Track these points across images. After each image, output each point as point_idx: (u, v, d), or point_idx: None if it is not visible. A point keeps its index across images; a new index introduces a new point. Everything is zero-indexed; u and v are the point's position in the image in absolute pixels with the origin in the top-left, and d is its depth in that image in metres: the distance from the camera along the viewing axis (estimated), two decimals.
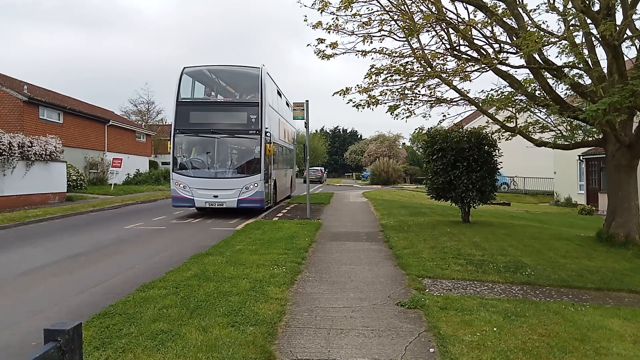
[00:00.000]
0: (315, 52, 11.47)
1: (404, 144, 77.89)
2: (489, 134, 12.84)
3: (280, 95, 20.61)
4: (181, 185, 15.41)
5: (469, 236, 10.80)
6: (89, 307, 5.79)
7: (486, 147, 12.81)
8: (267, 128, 15.58)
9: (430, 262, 7.96)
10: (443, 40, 11.42)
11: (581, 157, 26.05)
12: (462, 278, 7.06)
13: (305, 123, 15.50)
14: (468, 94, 11.62)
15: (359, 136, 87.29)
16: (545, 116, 12.54)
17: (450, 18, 10.77)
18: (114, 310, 5.31)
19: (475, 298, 5.95)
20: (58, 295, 6.52)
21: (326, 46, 11.12)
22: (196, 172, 15.74)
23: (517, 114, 11.77)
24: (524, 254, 9.00)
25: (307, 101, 15.36)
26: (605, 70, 10.09)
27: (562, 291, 6.64)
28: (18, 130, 21.69)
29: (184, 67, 16.12)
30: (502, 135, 12.38)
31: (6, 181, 17.92)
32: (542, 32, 9.81)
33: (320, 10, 10.61)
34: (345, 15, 10.78)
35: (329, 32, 11.12)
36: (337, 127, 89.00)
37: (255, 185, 15.32)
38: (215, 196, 15.27)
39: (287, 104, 23.08)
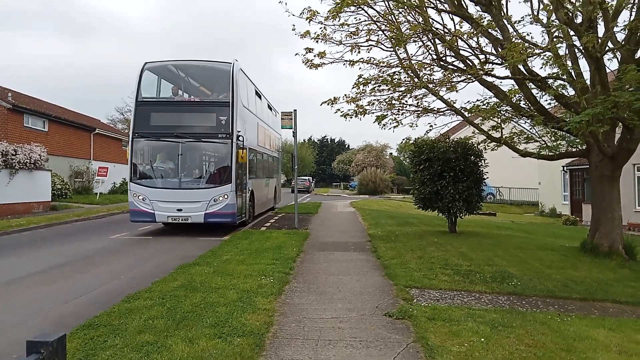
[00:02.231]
0: (303, 62, 11.54)
1: (391, 154, 78.25)
2: (475, 145, 12.95)
3: (259, 96, 18.65)
4: (140, 197, 13.41)
5: (455, 246, 10.84)
6: (73, 317, 5.68)
7: (472, 157, 12.92)
8: (239, 131, 13.62)
9: (417, 273, 7.97)
10: (430, 51, 11.56)
11: (565, 168, 26.41)
12: (449, 288, 7.08)
13: (293, 132, 15.49)
14: (454, 104, 11.75)
15: (346, 146, 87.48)
16: (530, 127, 12.72)
17: (437, 29, 10.92)
18: (99, 321, 5.22)
19: (463, 308, 5.96)
20: (42, 306, 6.39)
21: (314, 56, 11.20)
22: (157, 182, 13.73)
23: (502, 124, 11.92)
24: (510, 264, 9.07)
25: (295, 110, 15.36)
26: (588, 82, 10.29)
27: (548, 301, 6.69)
28: (2, 138, 21.34)
29: (146, 63, 14.18)
30: (488, 146, 12.52)
31: None
32: (526, 44, 9.98)
33: (308, 20, 10.68)
34: (333, 25, 10.87)
35: (317, 41, 11.20)
36: (325, 136, 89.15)
37: (226, 197, 13.23)
38: (179, 210, 13.20)
39: (270, 108, 21.48)
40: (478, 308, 6.04)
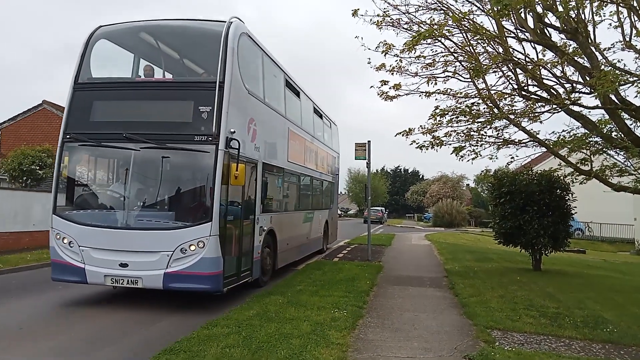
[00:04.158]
0: (378, 94, 11.57)
1: (467, 185, 75.73)
2: (561, 177, 12.23)
3: (294, 91, 12.61)
4: (65, 240, 7.97)
5: (541, 286, 10.16)
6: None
7: (558, 190, 12.20)
8: (234, 132, 7.99)
9: (499, 313, 7.52)
10: (510, 80, 11.16)
11: None
12: (535, 332, 6.59)
13: (367, 163, 15.48)
14: (538, 135, 11.20)
15: (420, 176, 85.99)
16: (624, 159, 11.78)
17: (518, 58, 10.55)
18: (179, 346, 5.40)
19: (551, 355, 5.52)
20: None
21: (389, 88, 11.22)
22: (90, 217, 8.17)
23: (592, 156, 11.15)
24: (604, 308, 8.31)
25: (369, 141, 15.36)
26: None
27: None
28: None
29: (99, 27, 9.03)
30: (576, 179, 11.73)
31: None
32: (618, 71, 9.36)
33: (384, 53, 10.74)
34: (409, 57, 10.86)
35: (392, 73, 11.22)
36: (399, 166, 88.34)
37: (201, 245, 7.53)
38: (124, 265, 7.64)
39: (320, 115, 15.85)
40: (568, 356, 5.56)
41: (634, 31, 9.74)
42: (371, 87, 11.70)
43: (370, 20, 10.35)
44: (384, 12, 10.33)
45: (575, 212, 12.85)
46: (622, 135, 10.39)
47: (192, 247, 7.47)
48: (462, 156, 11.56)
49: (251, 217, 9.01)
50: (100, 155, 8.85)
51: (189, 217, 7.95)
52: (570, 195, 12.35)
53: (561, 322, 7.09)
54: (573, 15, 8.85)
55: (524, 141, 11.43)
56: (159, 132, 8.04)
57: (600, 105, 10.06)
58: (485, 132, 11.41)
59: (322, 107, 16.23)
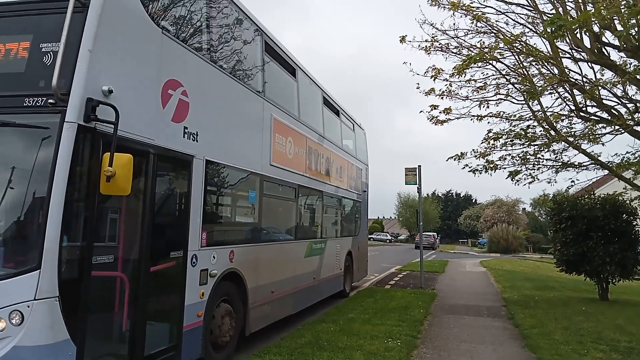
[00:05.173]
0: (428, 118, 11.52)
1: (524, 209, 72.96)
2: (627, 201, 11.57)
3: (288, 66, 8.88)
4: None
5: (609, 317, 9.51)
6: None
7: (624, 215, 11.54)
8: (108, 92, 4.05)
9: (564, 346, 7.09)
10: (567, 102, 10.84)
11: None
12: None
13: (417, 188, 15.25)
14: (599, 158, 10.71)
15: (473, 200, 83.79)
16: None
17: (575, 79, 10.23)
18: None
19: None
20: None
21: (439, 112, 11.15)
22: None
23: None
24: None
25: (419, 166, 15.15)
26: None
27: None
28: None
29: None
30: None
31: None
32: None
33: (433, 78, 10.73)
34: (459, 81, 10.78)
35: (441, 98, 11.17)
36: (450, 190, 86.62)
37: (15, 319, 3.54)
38: None
39: (336, 111, 11.98)
40: None
41: None
42: (420, 111, 11.70)
43: (419, 46, 10.40)
44: (433, 37, 10.36)
45: None
46: None
47: None
48: (517, 180, 11.24)
49: (178, 255, 5.05)
50: None
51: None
52: (638, 220, 11.64)
53: (635, 358, 6.59)
54: (633, 33, 8.51)
55: (584, 164, 11.00)
56: None
57: None
58: (542, 156, 11.07)
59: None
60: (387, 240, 63.23)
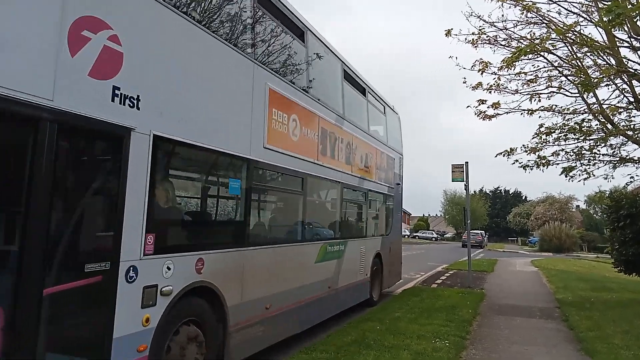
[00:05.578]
0: (475, 113, 11.28)
1: (577, 206, 69.94)
2: None
3: (290, 23, 6.86)
4: None
5: None
6: None
7: None
8: None
9: (625, 351, 6.73)
10: (625, 93, 10.28)
11: None
12: None
13: (465, 185, 14.91)
14: None
15: (523, 197, 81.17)
16: None
17: (635, 69, 9.68)
18: None
19: None
20: None
21: (487, 107, 10.87)
22: None
23: None
24: None
25: (466, 162, 14.76)
26: None
27: None
28: None
29: None
30: None
31: None
32: None
33: (480, 72, 10.48)
34: (508, 74, 10.46)
35: (489, 92, 10.88)
36: (498, 187, 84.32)
37: None
38: None
39: (363, 91, 10.22)
40: None
41: None
42: (467, 106, 11.44)
43: (465, 39, 10.18)
44: (480, 30, 10.09)
45: None
46: None
47: None
48: (572, 176, 10.79)
49: (100, 268, 3.55)
50: None
51: None
52: None
53: None
54: None
55: None
56: None
57: None
58: (598, 150, 10.59)
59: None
60: (433, 239, 62.26)
